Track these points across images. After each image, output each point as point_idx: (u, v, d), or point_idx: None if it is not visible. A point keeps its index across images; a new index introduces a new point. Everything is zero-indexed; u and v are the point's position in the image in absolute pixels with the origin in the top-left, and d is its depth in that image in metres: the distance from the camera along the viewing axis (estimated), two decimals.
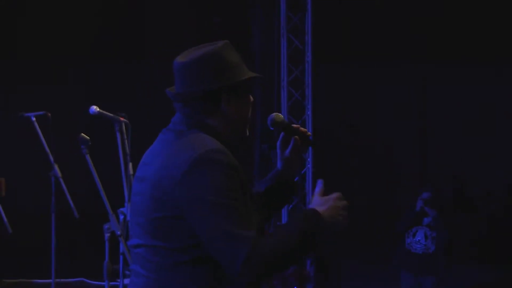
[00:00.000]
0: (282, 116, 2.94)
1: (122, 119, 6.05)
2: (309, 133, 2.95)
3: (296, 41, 9.82)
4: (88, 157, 5.79)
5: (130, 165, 6.10)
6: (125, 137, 6.08)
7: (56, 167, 6.49)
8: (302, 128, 2.95)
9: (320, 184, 2.75)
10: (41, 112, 6.60)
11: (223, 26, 11.42)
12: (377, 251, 10.03)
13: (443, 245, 8.56)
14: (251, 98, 2.81)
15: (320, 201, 2.68)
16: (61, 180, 6.47)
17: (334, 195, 2.71)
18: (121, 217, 6.02)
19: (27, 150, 8.09)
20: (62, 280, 7.54)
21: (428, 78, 12.83)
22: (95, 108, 5.84)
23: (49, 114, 6.57)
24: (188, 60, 2.73)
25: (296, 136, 2.95)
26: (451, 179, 12.39)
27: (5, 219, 6.84)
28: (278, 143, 3.00)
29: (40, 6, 11.26)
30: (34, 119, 6.55)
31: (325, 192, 2.74)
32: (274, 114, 2.92)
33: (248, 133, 2.82)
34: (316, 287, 9.60)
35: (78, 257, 9.01)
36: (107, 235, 6.01)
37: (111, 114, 5.98)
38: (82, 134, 5.82)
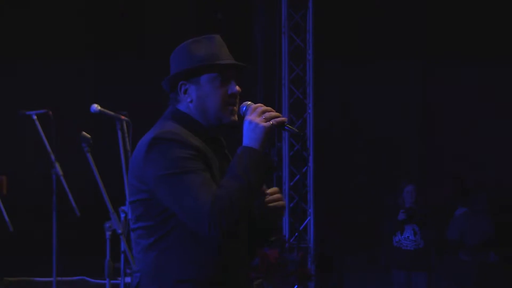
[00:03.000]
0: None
1: (123, 117, 6.06)
2: (283, 118, 2.90)
3: (298, 39, 9.82)
4: (89, 155, 5.80)
5: None
6: (126, 135, 6.09)
7: (57, 165, 6.49)
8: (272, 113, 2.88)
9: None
10: (42, 111, 6.59)
11: (225, 24, 11.41)
12: (379, 249, 10.03)
13: (432, 239, 8.58)
14: (227, 88, 2.87)
15: (245, 131, 2.80)
16: (62, 178, 6.47)
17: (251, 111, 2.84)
18: (122, 215, 6.02)
19: (29, 148, 8.09)
20: (63, 278, 7.51)
21: (429, 76, 12.82)
22: (96, 107, 5.84)
23: (51, 112, 6.57)
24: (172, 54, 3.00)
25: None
26: (451, 177, 12.38)
27: (6, 217, 6.84)
28: None
29: (41, 4, 11.26)
30: (35, 117, 6.55)
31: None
32: (248, 103, 2.89)
33: (228, 120, 2.88)
34: (318, 285, 9.60)
35: (79, 255, 8.99)
36: (108, 233, 6.02)
37: (112, 113, 5.99)
38: (83, 132, 5.83)
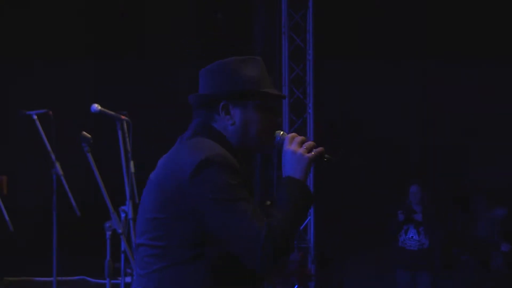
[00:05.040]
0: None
1: (123, 117, 6.07)
2: (321, 150, 2.85)
3: (298, 39, 9.82)
4: (89, 155, 5.80)
5: (132, 163, 6.12)
6: (127, 135, 6.10)
7: (57, 165, 6.49)
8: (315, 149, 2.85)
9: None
10: (42, 110, 6.59)
11: (225, 24, 11.41)
12: (379, 249, 10.03)
13: (438, 239, 8.59)
14: (272, 117, 2.84)
15: (288, 161, 2.77)
16: (63, 178, 6.47)
17: (288, 143, 2.80)
18: (123, 215, 6.03)
19: (29, 148, 8.09)
20: (63, 278, 7.53)
21: (429, 77, 12.82)
22: (96, 106, 5.85)
23: (51, 112, 6.57)
24: (206, 67, 2.85)
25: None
26: (452, 176, 12.39)
27: (7, 217, 6.85)
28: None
29: (41, 4, 11.26)
30: (35, 117, 6.55)
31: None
32: (281, 133, 2.88)
33: (265, 148, 2.87)
34: (318, 285, 9.61)
35: (80, 255, 9.00)
36: (108, 233, 6.03)
37: (113, 112, 6.00)
38: (84, 132, 5.83)
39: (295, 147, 2.78)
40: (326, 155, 2.84)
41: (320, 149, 2.81)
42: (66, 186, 6.46)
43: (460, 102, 12.39)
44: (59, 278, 6.85)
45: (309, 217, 9.83)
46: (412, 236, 8.46)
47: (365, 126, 12.57)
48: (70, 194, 6.49)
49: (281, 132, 2.86)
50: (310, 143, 2.81)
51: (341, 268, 10.65)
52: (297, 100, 9.87)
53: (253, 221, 2.58)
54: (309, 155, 2.77)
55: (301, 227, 9.70)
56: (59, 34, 11.23)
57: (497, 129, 12.23)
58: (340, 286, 10.57)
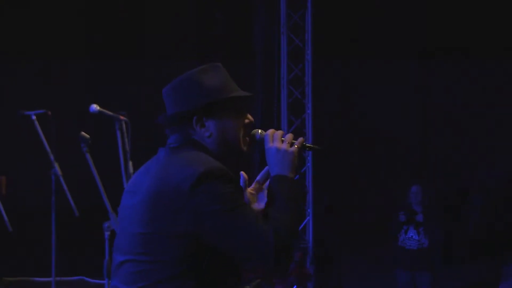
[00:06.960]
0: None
1: (122, 117, 6.07)
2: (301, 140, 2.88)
3: (296, 39, 9.82)
4: (88, 155, 5.79)
5: (130, 163, 6.11)
6: (125, 135, 6.09)
7: (56, 165, 6.48)
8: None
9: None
10: (41, 111, 6.59)
11: (224, 24, 11.42)
12: (379, 249, 10.04)
13: (437, 239, 8.60)
14: (245, 117, 2.82)
15: (274, 159, 2.79)
16: (61, 179, 6.47)
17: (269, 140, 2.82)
18: None
19: (28, 148, 8.10)
20: (62, 278, 7.53)
21: (429, 76, 12.83)
22: (95, 107, 5.84)
23: (50, 113, 6.56)
24: (168, 86, 2.84)
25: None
26: (452, 176, 12.39)
27: (6, 217, 6.85)
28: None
29: (41, 4, 11.27)
30: (34, 117, 6.54)
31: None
32: (259, 132, 2.88)
33: (245, 150, 2.84)
34: (317, 285, 9.61)
35: (78, 255, 9.02)
36: (107, 233, 6.02)
37: (111, 113, 5.99)
38: (82, 132, 5.83)
39: (278, 143, 2.80)
40: (307, 144, 2.87)
41: (300, 139, 2.84)
42: (65, 186, 6.46)
43: (460, 102, 12.40)
44: (58, 278, 6.85)
45: (307, 217, 9.82)
46: (411, 236, 8.46)
47: (365, 126, 12.57)
48: (68, 194, 6.49)
49: (259, 131, 2.87)
50: (289, 135, 2.83)
51: (340, 268, 10.65)
52: (296, 100, 9.86)
53: (259, 225, 2.60)
54: (293, 148, 2.80)
55: (300, 227, 9.70)
56: (58, 34, 11.24)
57: (497, 129, 12.24)
58: (339, 286, 10.57)
